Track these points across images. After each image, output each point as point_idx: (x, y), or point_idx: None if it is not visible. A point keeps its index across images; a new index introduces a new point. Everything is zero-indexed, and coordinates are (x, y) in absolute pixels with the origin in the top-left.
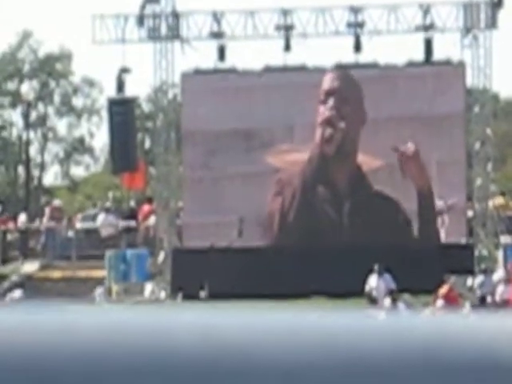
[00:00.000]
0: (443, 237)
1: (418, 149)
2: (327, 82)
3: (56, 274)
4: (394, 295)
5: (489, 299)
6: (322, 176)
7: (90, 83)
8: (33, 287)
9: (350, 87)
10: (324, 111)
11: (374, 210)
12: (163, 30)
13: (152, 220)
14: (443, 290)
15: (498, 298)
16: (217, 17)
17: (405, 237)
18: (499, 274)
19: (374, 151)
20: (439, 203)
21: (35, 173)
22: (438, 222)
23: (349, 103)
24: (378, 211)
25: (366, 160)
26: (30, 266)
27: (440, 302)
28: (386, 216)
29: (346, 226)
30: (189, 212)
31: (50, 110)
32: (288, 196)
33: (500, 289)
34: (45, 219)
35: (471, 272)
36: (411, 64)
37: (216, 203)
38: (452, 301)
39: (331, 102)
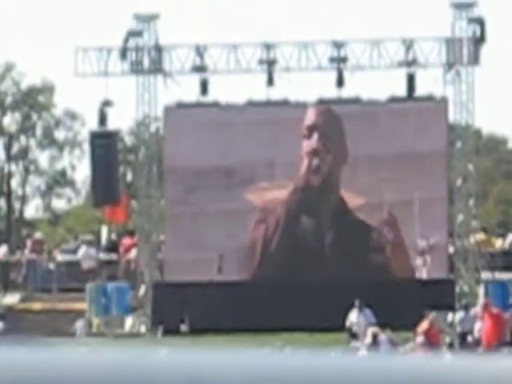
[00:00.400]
0: (425, 274)
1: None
2: (310, 117)
3: (37, 306)
4: (374, 331)
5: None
6: (306, 206)
7: (72, 116)
8: (14, 319)
9: (332, 123)
10: (309, 144)
11: (356, 241)
12: (146, 63)
13: (133, 253)
14: (424, 326)
15: (476, 334)
16: (199, 51)
17: (385, 271)
18: (476, 309)
19: (356, 189)
20: (422, 243)
21: (16, 205)
22: (418, 260)
23: (331, 139)
24: (361, 243)
25: (347, 197)
26: (11, 298)
27: (420, 339)
28: (368, 248)
29: (327, 258)
30: (170, 247)
31: (32, 143)
32: (271, 224)
33: (477, 325)
34: (26, 251)
35: (452, 308)
36: (393, 99)
37: (196, 239)
38: (432, 337)
39: (315, 136)
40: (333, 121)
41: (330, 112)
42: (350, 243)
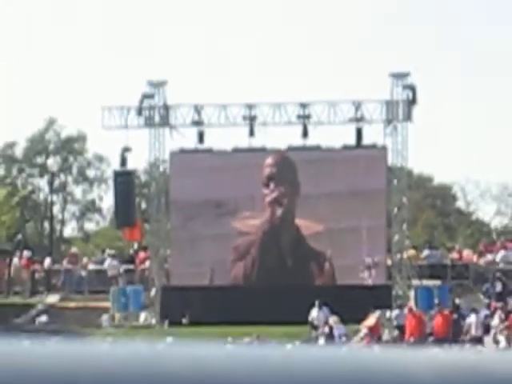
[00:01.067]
0: (370, 282)
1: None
2: (267, 168)
3: (72, 304)
4: (331, 324)
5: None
6: (272, 239)
7: (100, 159)
8: (54, 314)
9: (286, 168)
10: (269, 193)
11: (310, 260)
12: (156, 118)
13: (146, 264)
14: (371, 321)
15: None
16: (197, 109)
17: (335, 280)
18: (410, 307)
19: (316, 218)
20: (368, 260)
21: (57, 227)
22: (366, 273)
23: (285, 182)
24: (315, 261)
25: (309, 225)
26: (52, 298)
27: (365, 331)
28: (322, 264)
29: (291, 268)
30: (174, 260)
31: (69, 179)
32: (249, 246)
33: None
34: (64, 262)
35: (389, 307)
36: (345, 147)
37: (193, 256)
38: (376, 330)
39: (271, 185)
40: (287, 166)
41: (284, 159)
42: (306, 260)
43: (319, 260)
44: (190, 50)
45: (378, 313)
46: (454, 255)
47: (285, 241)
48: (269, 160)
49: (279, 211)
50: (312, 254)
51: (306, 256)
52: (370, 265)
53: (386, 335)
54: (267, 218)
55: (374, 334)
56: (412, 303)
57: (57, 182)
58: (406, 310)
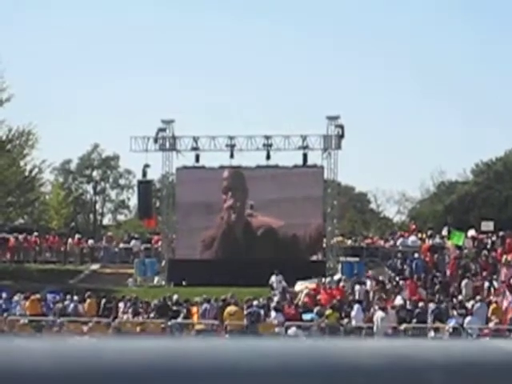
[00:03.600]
0: (314, 258)
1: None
2: (224, 182)
3: (108, 270)
4: (284, 286)
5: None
6: (230, 232)
7: (128, 172)
8: (96, 277)
9: (237, 180)
10: (227, 200)
11: (273, 246)
12: (167, 145)
13: (159, 244)
14: (313, 284)
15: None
16: (195, 139)
17: (289, 259)
18: (338, 275)
19: (279, 215)
20: (317, 247)
21: (98, 218)
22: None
23: (238, 189)
24: (277, 247)
25: (273, 221)
26: (95, 266)
27: (306, 291)
28: (281, 249)
29: (259, 245)
30: (177, 243)
31: (107, 186)
32: (225, 233)
33: (341, 284)
34: (103, 242)
35: (324, 275)
36: (295, 166)
37: (190, 240)
38: (315, 290)
39: (230, 193)
40: (238, 178)
41: (235, 173)
42: (270, 244)
43: (280, 244)
44: (189, 99)
45: (317, 279)
46: (368, 241)
47: (239, 230)
48: (225, 174)
49: (233, 215)
50: (274, 240)
51: (270, 241)
52: (319, 251)
53: (320, 295)
54: (225, 219)
55: (314, 294)
56: (339, 274)
57: (99, 187)
58: (335, 277)
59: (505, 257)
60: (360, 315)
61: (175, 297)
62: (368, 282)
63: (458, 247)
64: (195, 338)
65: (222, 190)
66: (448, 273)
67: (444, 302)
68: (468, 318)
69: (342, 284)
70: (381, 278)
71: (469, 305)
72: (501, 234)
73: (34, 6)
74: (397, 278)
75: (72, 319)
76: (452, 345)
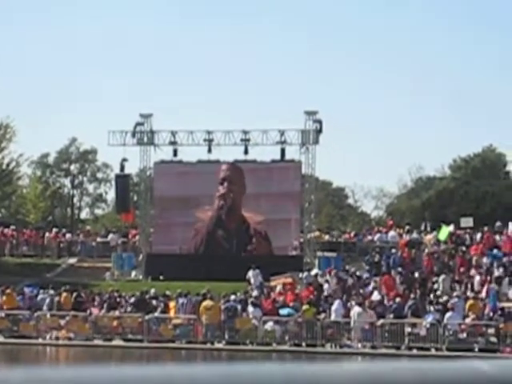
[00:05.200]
0: (294, 253)
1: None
2: (222, 172)
3: (85, 264)
4: (261, 281)
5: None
6: (220, 225)
7: (106, 166)
8: (73, 271)
9: (236, 173)
10: (221, 189)
11: (251, 240)
12: (145, 139)
13: (136, 238)
14: (289, 279)
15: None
16: (173, 133)
17: (268, 253)
18: (315, 270)
19: (257, 210)
20: (295, 242)
21: (76, 212)
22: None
23: (235, 183)
24: (255, 241)
25: (251, 216)
26: (72, 260)
27: (280, 287)
28: (259, 244)
29: (235, 242)
30: (154, 237)
31: (85, 179)
32: (203, 234)
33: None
34: (81, 236)
35: (301, 270)
36: (273, 161)
37: (167, 235)
38: (291, 285)
39: (225, 184)
40: (237, 172)
41: (235, 167)
42: (248, 239)
43: (258, 239)
44: (167, 93)
45: (293, 274)
46: (346, 236)
47: (231, 226)
48: (223, 166)
49: (223, 203)
50: (252, 235)
51: (248, 236)
52: (297, 246)
53: (297, 289)
54: (215, 208)
55: (291, 289)
56: (316, 268)
57: (76, 181)
58: (312, 272)
59: (475, 258)
60: (340, 310)
61: (152, 291)
62: (348, 278)
63: (439, 242)
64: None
65: (218, 182)
66: (424, 268)
67: (420, 298)
68: (448, 314)
69: (318, 279)
70: (358, 273)
71: (445, 300)
72: (485, 229)
73: (19, 3)
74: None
75: (48, 313)
76: (429, 368)
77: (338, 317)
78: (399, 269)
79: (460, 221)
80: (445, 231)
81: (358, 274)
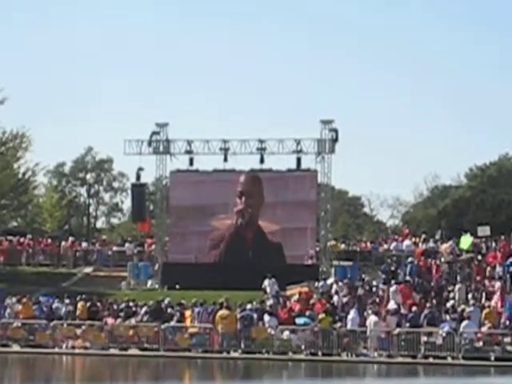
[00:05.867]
0: (310, 262)
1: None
2: (240, 185)
3: (101, 273)
4: (276, 289)
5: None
6: (237, 235)
7: (122, 175)
8: (89, 280)
9: (255, 185)
10: (238, 204)
11: (267, 250)
12: (161, 148)
13: (152, 247)
14: (305, 288)
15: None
16: (189, 142)
17: (284, 262)
18: (331, 279)
19: (273, 220)
20: (311, 251)
21: (92, 221)
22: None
23: (253, 196)
24: (271, 251)
25: (268, 225)
26: (88, 269)
27: (296, 296)
28: (275, 253)
29: (253, 251)
30: (170, 246)
31: (101, 188)
32: (224, 239)
33: (340, 285)
34: (97, 245)
35: (317, 279)
36: (289, 170)
37: (183, 244)
38: (307, 294)
39: (243, 198)
40: (256, 183)
41: (254, 177)
42: (264, 248)
43: (274, 248)
44: (184, 102)
45: (309, 283)
46: (362, 245)
47: (248, 236)
48: (242, 178)
49: (241, 220)
50: (268, 244)
51: (264, 245)
52: (313, 255)
53: (313, 299)
54: (233, 223)
55: (307, 297)
56: (333, 278)
57: (92, 190)
58: (328, 281)
59: (491, 267)
60: (357, 319)
61: (167, 300)
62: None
63: (461, 251)
64: None
65: (236, 195)
66: (434, 278)
67: (436, 307)
68: (464, 323)
69: (340, 284)
70: (374, 282)
71: (461, 309)
72: (502, 238)
73: (29, 9)
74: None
75: (65, 322)
76: None
77: (355, 326)
78: (415, 277)
79: (477, 230)
80: (467, 240)
81: (374, 283)
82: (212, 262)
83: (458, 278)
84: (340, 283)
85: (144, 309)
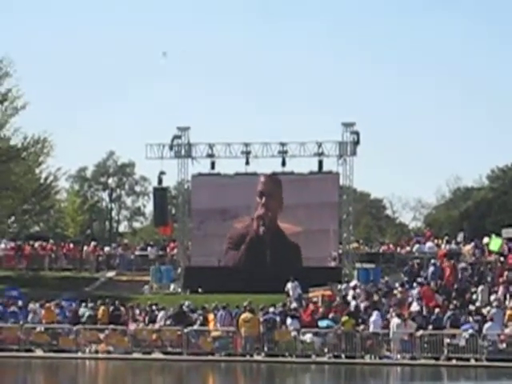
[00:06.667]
0: (333, 264)
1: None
2: (260, 185)
3: (124, 278)
4: (299, 292)
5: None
6: (257, 238)
7: (144, 179)
8: (112, 285)
9: (274, 187)
10: (258, 205)
11: (286, 252)
12: (183, 152)
13: (175, 251)
14: (328, 291)
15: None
16: (210, 146)
17: (306, 264)
18: (354, 282)
19: (295, 222)
20: (334, 253)
21: (114, 225)
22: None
23: (273, 197)
24: (290, 253)
25: (290, 227)
26: (110, 273)
27: (319, 298)
28: (293, 255)
29: (271, 257)
30: (193, 250)
31: (123, 193)
32: (245, 242)
33: (357, 291)
34: (119, 249)
35: (340, 282)
36: (311, 173)
37: (205, 247)
38: (330, 296)
39: (263, 199)
40: (275, 185)
41: (273, 179)
42: (283, 250)
43: (295, 250)
44: (204, 106)
45: (332, 285)
46: (384, 247)
47: (267, 239)
48: (261, 179)
49: (262, 226)
50: (289, 246)
51: (284, 247)
52: (336, 257)
53: (336, 302)
54: (254, 228)
55: (331, 299)
56: (355, 280)
57: (114, 195)
58: (350, 284)
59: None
60: (379, 321)
61: (186, 303)
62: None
63: (496, 253)
64: None
65: (256, 195)
66: (445, 279)
67: (459, 308)
68: (488, 324)
69: (357, 291)
70: (396, 284)
71: (484, 311)
72: None
73: (54, 15)
74: (414, 284)
75: (88, 327)
76: None
77: (377, 328)
78: (438, 280)
79: (502, 232)
80: (497, 242)
81: (396, 285)
82: (232, 264)
83: (481, 279)
84: (357, 289)
85: (162, 313)
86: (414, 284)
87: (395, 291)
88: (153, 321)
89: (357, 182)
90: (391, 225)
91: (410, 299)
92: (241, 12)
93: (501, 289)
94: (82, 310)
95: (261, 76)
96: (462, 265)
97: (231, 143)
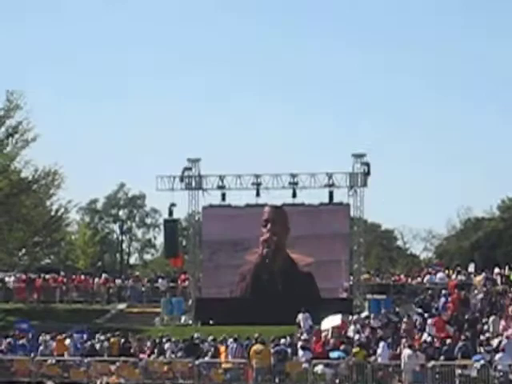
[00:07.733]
0: (344, 296)
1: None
2: (265, 214)
3: (135, 310)
4: (310, 324)
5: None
6: (266, 268)
7: (155, 211)
8: (123, 317)
9: (279, 214)
10: (264, 233)
11: (298, 281)
12: (193, 184)
13: (186, 283)
14: (338, 322)
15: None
16: (221, 178)
17: (316, 295)
18: (365, 313)
19: (306, 252)
20: (345, 283)
21: (125, 257)
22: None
23: (278, 224)
24: (302, 282)
25: (302, 258)
26: (121, 306)
27: (329, 330)
28: (307, 284)
29: (282, 288)
30: (204, 281)
31: (134, 225)
32: (249, 277)
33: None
34: (130, 281)
35: (351, 313)
36: (321, 204)
37: (217, 279)
38: (342, 328)
39: (268, 226)
40: (280, 214)
41: (277, 209)
42: (295, 280)
43: (306, 280)
44: (215, 139)
45: (343, 316)
46: (395, 278)
47: (277, 267)
48: (266, 208)
49: (267, 249)
50: (302, 276)
51: (296, 277)
52: (347, 288)
53: (350, 331)
54: (260, 253)
55: (342, 331)
56: (366, 311)
57: (125, 227)
58: (362, 315)
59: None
60: (386, 352)
61: (196, 335)
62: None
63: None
64: None
65: (261, 224)
66: (448, 309)
67: (470, 339)
68: (499, 355)
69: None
70: (407, 315)
71: (495, 342)
72: None
73: (59, 50)
74: (425, 315)
75: (99, 359)
76: None
77: (384, 359)
78: (449, 310)
79: None
80: None
81: (406, 316)
82: (244, 296)
83: (492, 310)
84: (358, 325)
85: (168, 344)
86: (426, 315)
87: (403, 322)
88: (163, 353)
89: (367, 212)
90: (402, 256)
91: (416, 330)
92: (245, 42)
93: None
94: (93, 343)
95: (270, 107)
96: (473, 295)
97: (242, 175)
